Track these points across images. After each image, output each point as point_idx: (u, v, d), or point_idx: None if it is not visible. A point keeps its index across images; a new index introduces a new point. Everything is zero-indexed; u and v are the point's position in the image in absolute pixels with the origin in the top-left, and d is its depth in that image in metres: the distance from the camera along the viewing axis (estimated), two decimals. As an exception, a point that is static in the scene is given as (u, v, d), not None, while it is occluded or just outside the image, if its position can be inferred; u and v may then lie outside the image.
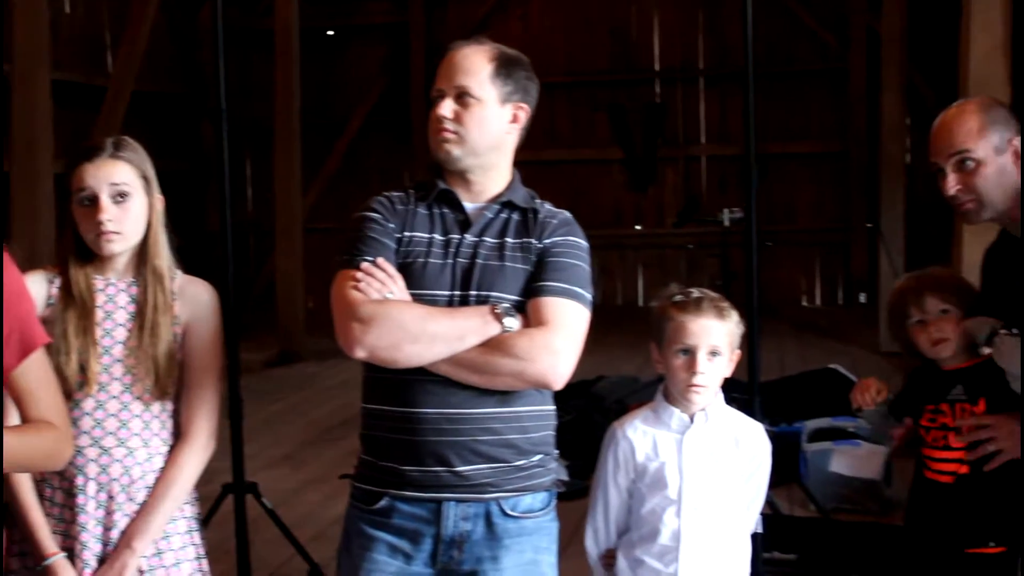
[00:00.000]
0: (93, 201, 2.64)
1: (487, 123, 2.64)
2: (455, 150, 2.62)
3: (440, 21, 13.53)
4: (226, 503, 4.54)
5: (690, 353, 2.70)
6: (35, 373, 2.21)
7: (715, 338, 2.71)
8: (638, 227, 13.27)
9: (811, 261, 13.07)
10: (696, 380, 2.69)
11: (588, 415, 6.25)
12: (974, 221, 2.92)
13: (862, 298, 12.60)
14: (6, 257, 2.17)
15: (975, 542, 2.97)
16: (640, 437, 2.77)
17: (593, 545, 2.86)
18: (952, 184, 2.88)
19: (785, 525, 4.95)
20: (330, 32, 13.67)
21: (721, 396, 2.80)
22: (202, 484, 4.93)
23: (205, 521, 4.48)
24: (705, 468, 2.74)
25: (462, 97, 2.62)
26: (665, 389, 2.79)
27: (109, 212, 2.64)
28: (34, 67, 7.63)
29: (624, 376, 7.52)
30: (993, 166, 2.84)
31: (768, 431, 6.37)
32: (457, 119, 2.61)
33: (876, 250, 10.20)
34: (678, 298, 2.76)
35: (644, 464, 2.75)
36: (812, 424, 6.05)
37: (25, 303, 2.21)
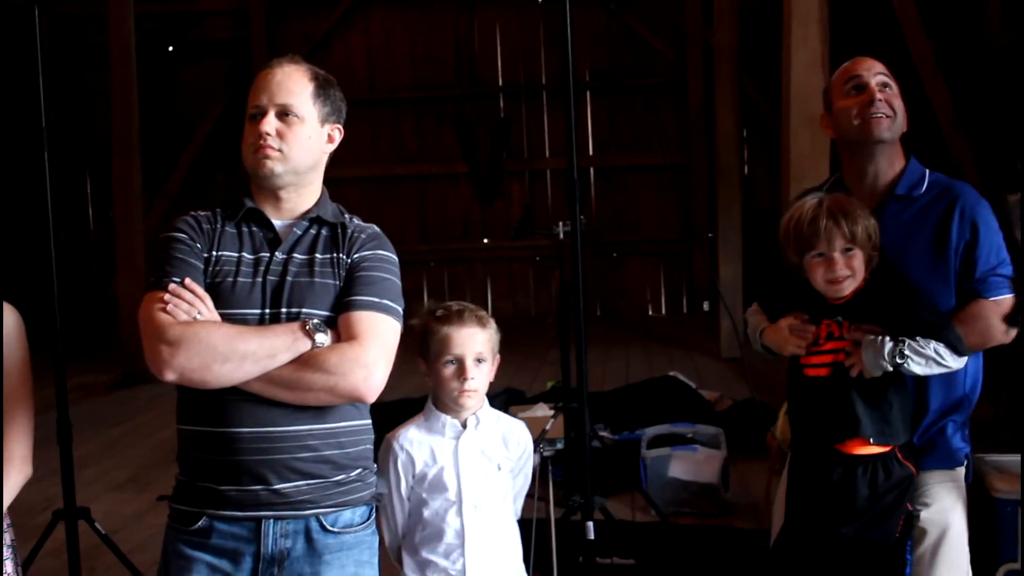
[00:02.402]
0: None
1: (309, 142, 2.66)
2: (278, 167, 2.63)
3: (282, 35, 13.44)
4: (62, 531, 4.44)
5: (458, 362, 2.90)
6: None
7: (479, 345, 2.93)
8: (486, 240, 13.37)
9: (656, 271, 13.33)
10: (467, 386, 2.89)
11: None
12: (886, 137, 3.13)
13: (705, 306, 12.91)
14: None
15: (850, 431, 2.99)
16: (416, 447, 2.93)
17: (392, 542, 3.00)
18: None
19: (623, 530, 5.05)
20: (170, 48, 13.48)
21: (486, 400, 3.01)
22: (38, 512, 4.83)
23: (35, 549, 4.41)
24: (480, 468, 2.94)
25: (285, 115, 2.63)
26: (434, 398, 2.97)
27: None
28: None
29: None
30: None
31: (610, 439, 6.54)
32: (280, 136, 2.62)
33: (717, 259, 10.44)
34: (440, 312, 2.95)
35: (423, 471, 2.91)
36: (651, 431, 6.17)
37: None
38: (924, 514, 3.09)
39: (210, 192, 12.77)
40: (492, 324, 2.99)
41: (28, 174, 12.66)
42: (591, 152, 13.08)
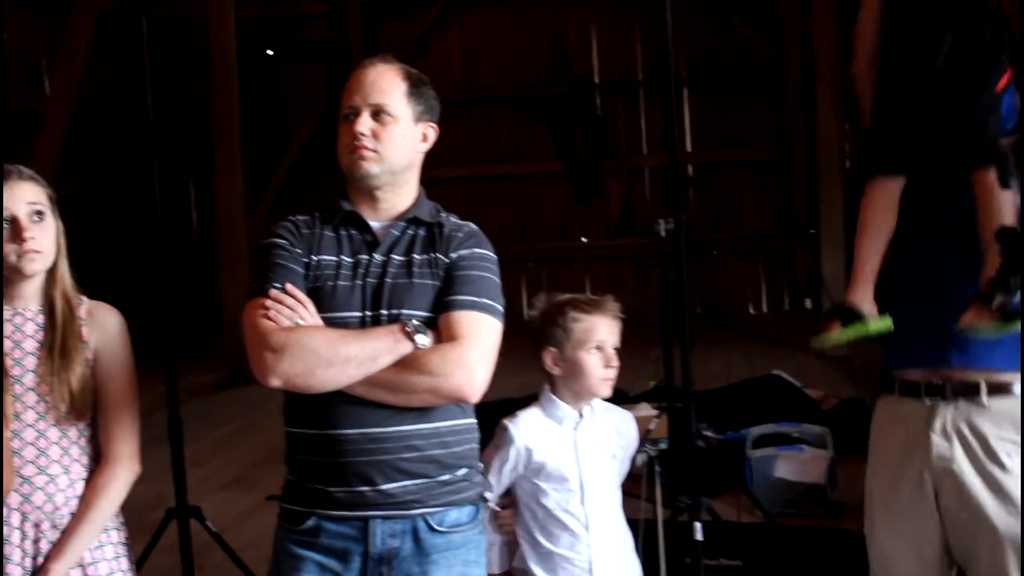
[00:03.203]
0: (12, 222, 2.63)
1: (403, 141, 2.66)
2: (373, 167, 2.63)
3: (379, 37, 13.53)
4: (174, 528, 4.52)
5: (602, 349, 2.99)
6: None
7: (617, 336, 3.06)
8: (584, 239, 13.33)
9: (756, 268, 13.18)
10: (611, 374, 3.01)
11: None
12: None
13: (807, 304, 12.72)
14: None
15: None
16: (535, 435, 2.99)
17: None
18: None
19: (730, 532, 4.99)
20: (270, 52, 13.64)
21: None
22: (149, 510, 4.92)
23: (149, 547, 4.49)
24: (597, 457, 3.02)
25: (379, 115, 2.63)
26: (554, 387, 3.05)
27: (31, 230, 2.63)
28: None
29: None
30: None
31: (714, 439, 6.47)
32: (375, 136, 2.63)
33: (819, 256, 10.28)
34: (580, 301, 3.06)
35: (541, 461, 2.98)
36: (756, 430, 6.10)
37: None
38: None
39: (310, 196, 12.82)
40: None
41: (134, 179, 12.94)
42: (689, 148, 12.96)
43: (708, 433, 6.44)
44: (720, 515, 4.79)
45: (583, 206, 13.21)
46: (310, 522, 2.58)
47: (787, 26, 12.60)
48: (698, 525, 4.11)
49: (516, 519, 3.05)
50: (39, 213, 2.67)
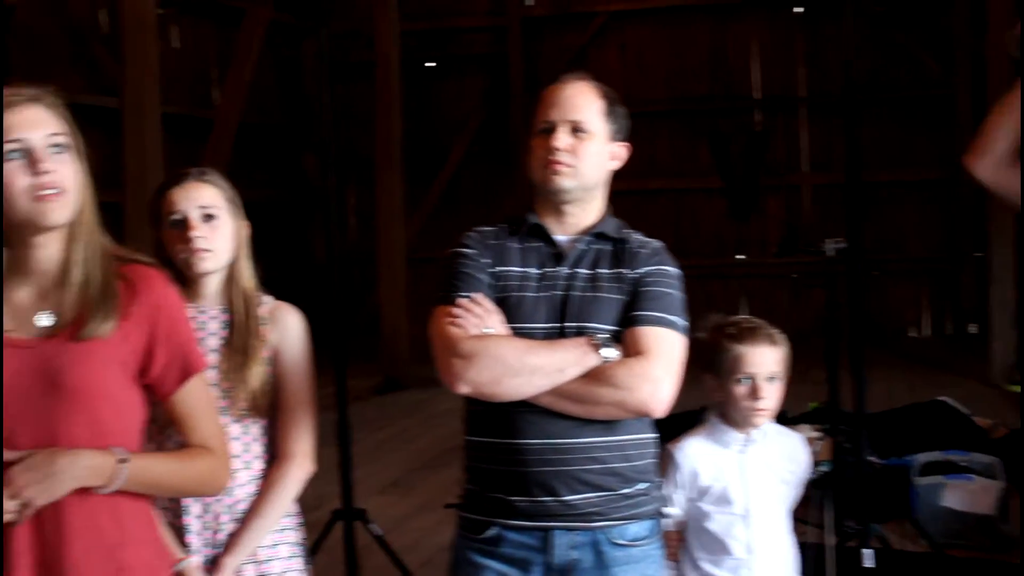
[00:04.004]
0: (183, 223, 2.71)
1: (598, 158, 2.68)
2: (568, 182, 2.65)
3: (538, 52, 13.60)
4: (334, 529, 4.58)
5: (752, 380, 2.91)
6: (194, 398, 2.29)
7: (772, 364, 2.94)
8: (741, 256, 13.17)
9: (919, 291, 12.85)
10: (760, 405, 2.91)
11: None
12: None
13: (972, 329, 12.33)
14: (167, 281, 2.28)
15: None
16: (700, 459, 2.96)
17: None
18: None
19: (898, 560, 4.86)
20: (430, 64, 13.81)
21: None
22: (311, 510, 4.99)
23: (314, 547, 4.56)
24: (765, 481, 2.96)
25: (575, 131, 2.65)
26: (721, 412, 3.00)
27: (200, 230, 2.70)
28: (144, 101, 7.80)
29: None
30: None
31: (878, 464, 6.30)
32: (572, 151, 2.64)
33: (987, 280, 9.96)
34: (732, 329, 2.97)
35: (707, 485, 2.94)
36: (923, 458, 5.93)
37: (185, 328, 2.29)
38: None
39: (467, 207, 13.00)
40: (783, 341, 3.00)
41: (296, 186, 13.24)
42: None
43: (872, 458, 6.28)
44: (890, 543, 4.66)
45: (740, 222, 13.07)
46: (491, 531, 2.59)
47: (957, 45, 12.27)
48: (868, 552, 4.00)
49: (681, 543, 3.02)
50: (211, 215, 2.73)
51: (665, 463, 2.94)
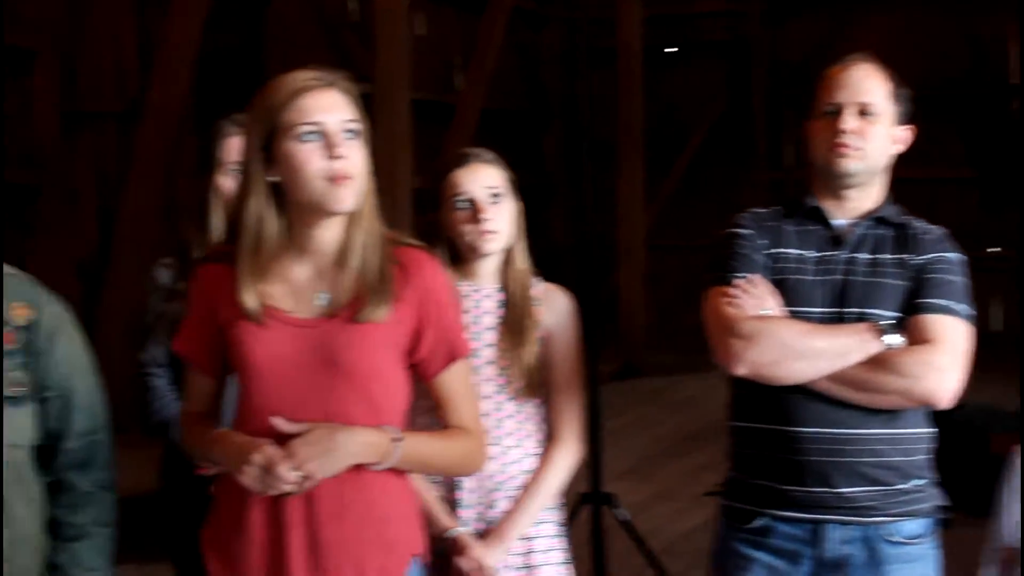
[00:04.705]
0: (471, 204, 2.74)
1: (885, 140, 2.64)
2: (854, 164, 2.60)
3: (780, 36, 13.31)
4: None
5: None
6: (456, 381, 2.34)
7: None
8: (995, 249, 12.58)
9: None
10: None
11: (951, 443, 5.93)
12: None
13: None
14: (438, 265, 2.35)
15: None
16: None
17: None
18: None
19: None
20: (669, 50, 13.70)
21: None
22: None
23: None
24: None
25: (863, 113, 2.61)
26: None
27: (489, 212, 2.73)
28: (395, 88, 8.01)
29: (983, 404, 7.12)
30: None
31: None
32: (859, 134, 2.59)
33: None
34: None
35: None
36: None
37: (453, 312, 2.35)
38: None
39: (707, 194, 12.86)
40: None
41: (533, 170, 13.37)
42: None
43: None
44: None
45: (993, 213, 12.50)
46: (759, 521, 2.55)
47: None
48: None
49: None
50: (497, 195, 2.77)
51: (1008, 468, 2.77)
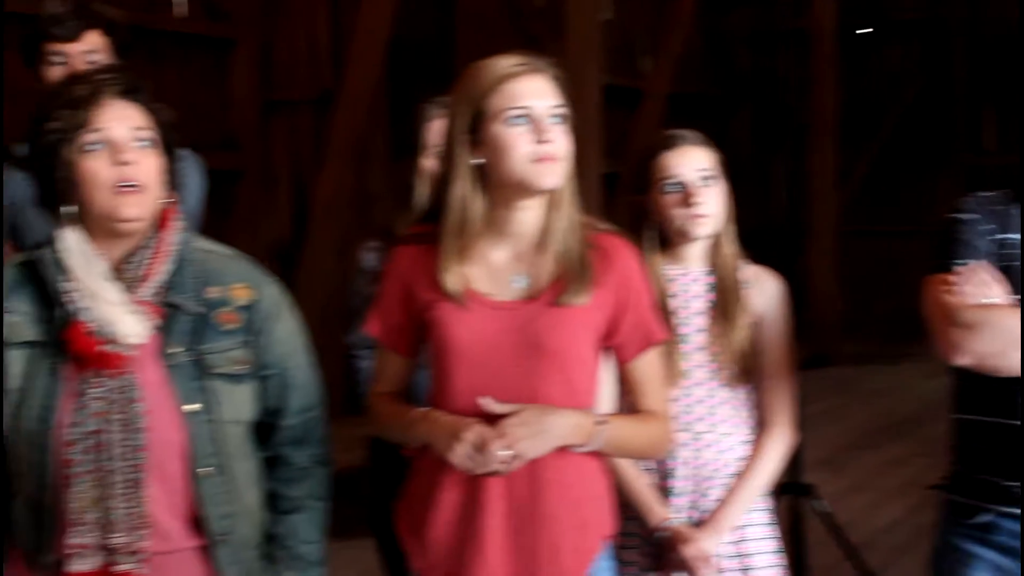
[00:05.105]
0: (681, 187, 2.69)
1: None
2: None
3: (978, 15, 12.81)
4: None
5: None
6: (650, 367, 2.35)
7: None
8: None
9: None
10: None
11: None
12: None
13: None
14: (634, 251, 2.34)
15: None
16: None
17: None
18: None
19: None
20: (862, 31, 13.33)
21: None
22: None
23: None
24: None
25: None
26: None
27: (702, 195, 2.68)
28: (585, 73, 7.98)
29: None
30: None
31: None
32: None
33: None
34: None
35: None
36: None
37: (649, 298, 2.35)
38: None
39: (900, 180, 12.50)
40: None
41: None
42: None
43: None
44: None
45: None
46: (983, 517, 2.44)
47: None
48: None
49: None
50: (707, 178, 2.72)
51: None
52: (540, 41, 9.89)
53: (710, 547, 2.65)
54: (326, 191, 7.33)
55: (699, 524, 2.68)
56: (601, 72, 8.61)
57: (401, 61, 7.84)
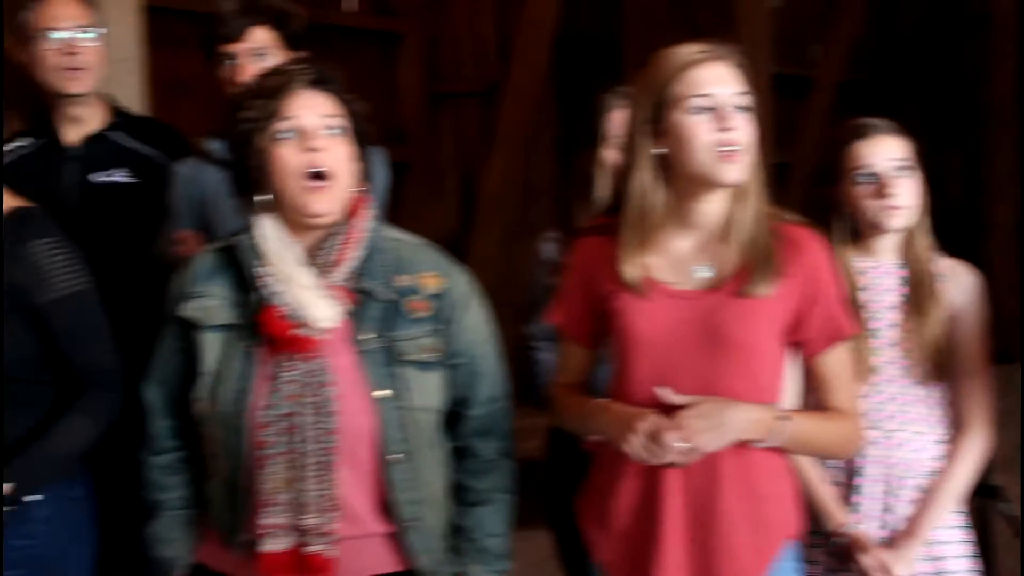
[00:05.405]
0: (875, 178, 2.61)
1: None
2: None
3: None
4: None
5: None
6: (837, 362, 2.30)
7: None
8: None
9: None
10: None
11: None
12: None
13: None
14: (823, 242, 2.28)
15: None
16: None
17: None
18: None
19: None
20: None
21: None
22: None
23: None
24: None
25: None
26: None
27: (897, 186, 2.60)
28: (755, 62, 7.83)
29: None
30: None
31: None
32: None
33: None
34: None
35: None
36: None
37: (839, 291, 2.29)
38: None
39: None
40: None
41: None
42: None
43: None
44: None
45: None
46: None
47: None
48: None
49: None
50: (902, 168, 2.65)
51: None
52: (709, 31, 9.82)
53: (902, 566, 2.56)
54: (493, 183, 7.36)
55: (893, 534, 2.59)
56: (770, 61, 8.47)
57: (568, 54, 7.83)
